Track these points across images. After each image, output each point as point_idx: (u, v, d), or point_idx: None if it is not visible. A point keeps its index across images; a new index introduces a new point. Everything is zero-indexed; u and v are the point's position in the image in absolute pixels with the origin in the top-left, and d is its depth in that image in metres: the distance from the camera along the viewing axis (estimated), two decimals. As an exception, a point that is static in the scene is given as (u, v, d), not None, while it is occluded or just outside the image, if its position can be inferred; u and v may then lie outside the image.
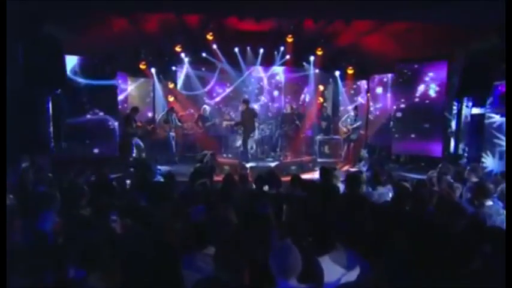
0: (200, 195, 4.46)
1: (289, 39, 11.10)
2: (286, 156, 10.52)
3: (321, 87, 12.49)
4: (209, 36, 10.94)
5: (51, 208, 3.61)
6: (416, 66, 9.00)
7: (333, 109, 12.48)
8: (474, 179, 5.42)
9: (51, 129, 7.48)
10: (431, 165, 8.73)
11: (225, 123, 11.25)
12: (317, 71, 12.23)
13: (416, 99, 9.11)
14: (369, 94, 11.36)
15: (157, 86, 11.86)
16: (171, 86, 12.09)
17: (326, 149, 10.59)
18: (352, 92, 11.86)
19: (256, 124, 10.19)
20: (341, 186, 5.49)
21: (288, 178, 7.63)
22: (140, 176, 7.19)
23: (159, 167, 8.66)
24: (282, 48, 11.86)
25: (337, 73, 12.01)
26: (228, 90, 12.62)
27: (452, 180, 4.89)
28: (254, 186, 5.40)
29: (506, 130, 6.88)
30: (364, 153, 10.04)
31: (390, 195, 4.87)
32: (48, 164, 6.05)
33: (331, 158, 10.06)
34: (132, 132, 9.62)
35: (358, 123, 9.68)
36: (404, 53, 9.26)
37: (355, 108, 9.96)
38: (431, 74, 8.76)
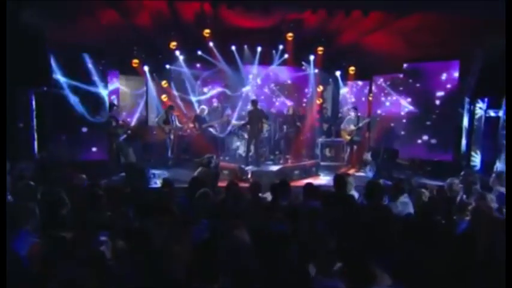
0: (202, 208, 3.91)
1: (289, 37, 10.61)
2: (287, 159, 10.02)
3: (321, 88, 12.04)
4: (205, 33, 10.40)
5: (29, 224, 3.03)
6: (425, 65, 8.55)
7: (332, 110, 12.02)
8: (500, 188, 5.00)
9: (35, 131, 6.85)
10: (438, 170, 8.36)
11: (234, 122, 10.67)
12: (316, 70, 11.76)
13: (426, 101, 8.65)
14: (371, 95, 10.91)
15: (151, 84, 11.24)
16: (164, 84, 11.50)
17: (328, 152, 10.11)
18: (354, 92, 11.38)
19: (266, 126, 9.65)
20: (355, 194, 5.02)
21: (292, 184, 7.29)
22: (132, 182, 6.63)
23: (153, 171, 8.06)
24: (281, 47, 11.39)
25: (337, 73, 11.55)
26: (225, 89, 12.05)
27: (481, 190, 4.44)
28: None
29: (506, 130, 6.57)
30: (367, 156, 9.57)
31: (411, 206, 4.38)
32: (31, 170, 5.41)
33: (334, 161, 9.58)
34: (113, 132, 9.00)
35: (360, 124, 9.15)
36: (412, 52, 8.81)
37: (355, 108, 9.48)
38: (442, 74, 8.31)
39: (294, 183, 7.45)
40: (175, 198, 4.35)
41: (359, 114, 9.33)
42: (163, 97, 11.48)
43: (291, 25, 10.39)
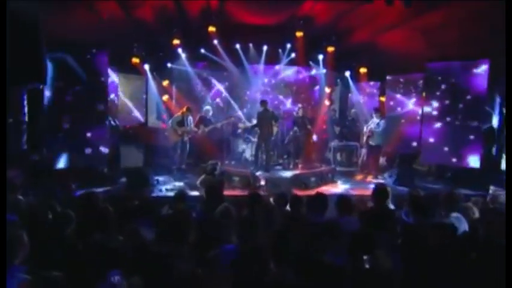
0: (225, 228, 3.31)
1: (299, 35, 10.04)
2: (297, 164, 9.44)
3: (329, 89, 11.50)
4: (210, 30, 9.81)
5: (18, 257, 2.41)
6: (450, 65, 7.97)
7: (340, 112, 11.47)
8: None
9: (26, 133, 6.18)
10: (461, 177, 7.82)
11: (240, 125, 10.06)
12: (324, 70, 11.21)
13: (449, 102, 8.06)
14: (383, 96, 10.36)
15: (151, 84, 10.60)
16: (165, 84, 10.87)
17: (339, 157, 9.53)
18: (366, 93, 10.83)
19: (276, 128, 9.07)
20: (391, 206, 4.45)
21: (305, 192, 6.71)
22: (137, 190, 6.03)
23: (156, 177, 7.43)
24: (288, 46, 10.84)
25: (347, 73, 10.99)
26: (229, 89, 11.46)
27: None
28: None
29: (507, 130, 6.29)
30: (382, 161, 9.03)
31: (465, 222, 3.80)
32: (20, 180, 4.74)
33: (348, 166, 8.99)
34: (112, 133, 8.27)
35: (380, 128, 8.51)
36: (434, 50, 8.28)
37: (377, 110, 8.84)
38: (468, 74, 7.73)
39: (309, 192, 6.95)
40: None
41: (380, 117, 8.71)
42: (165, 97, 10.87)
43: (301, 22, 9.84)
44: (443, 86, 8.12)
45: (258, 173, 8.02)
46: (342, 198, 4.00)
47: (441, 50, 8.13)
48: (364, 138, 8.66)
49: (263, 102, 9.11)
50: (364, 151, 8.98)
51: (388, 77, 9.74)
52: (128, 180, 6.74)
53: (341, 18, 9.26)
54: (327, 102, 11.53)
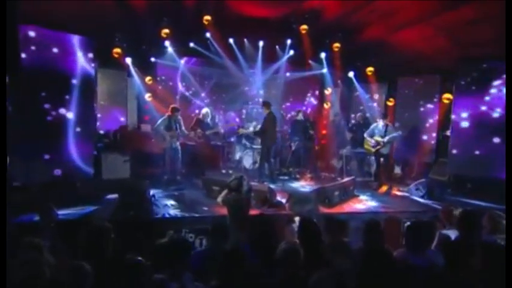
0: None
1: (303, 30, 9.09)
2: (304, 174, 8.48)
3: (329, 90, 10.64)
4: (205, 21, 8.64)
5: None
6: (483, 67, 7.29)
7: (344, 116, 10.63)
8: None
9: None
10: (482, 188, 7.21)
11: (241, 131, 8.89)
12: (325, 70, 10.34)
13: (482, 109, 7.37)
14: (391, 100, 9.63)
15: (135, 80, 9.25)
16: (149, 81, 9.52)
17: (349, 166, 8.63)
18: (374, 96, 10.04)
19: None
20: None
21: (330, 210, 5.77)
22: (134, 212, 4.82)
23: (151, 191, 6.16)
24: (289, 41, 9.86)
25: (351, 73, 10.17)
26: (223, 89, 10.32)
27: None
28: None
29: (507, 130, 5.73)
30: (396, 170, 8.26)
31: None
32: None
33: (360, 176, 8.07)
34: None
35: (394, 134, 7.65)
36: (462, 50, 7.57)
37: (385, 116, 7.98)
38: (497, 77, 7.08)
39: (335, 210, 6.01)
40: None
41: (388, 123, 7.86)
42: (148, 96, 9.52)
43: (306, 16, 8.89)
44: (462, 90, 7.44)
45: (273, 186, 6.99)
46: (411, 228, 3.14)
47: (469, 50, 7.45)
48: (371, 144, 7.72)
49: (266, 105, 8.05)
50: (375, 159, 8.11)
51: (399, 79, 8.97)
52: (121, 197, 5.43)
53: (352, 13, 8.40)
54: (326, 105, 10.69)
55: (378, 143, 7.70)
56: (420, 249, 3.01)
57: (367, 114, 9.50)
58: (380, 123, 7.88)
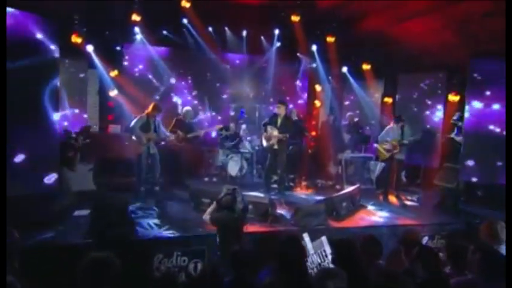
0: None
1: (295, 18, 8.07)
2: (299, 182, 7.48)
3: (319, 87, 9.71)
4: (184, 3, 7.40)
5: None
6: (496, 64, 6.61)
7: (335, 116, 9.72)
8: None
9: None
10: (493, 196, 6.63)
11: (242, 130, 7.70)
12: (315, 65, 9.39)
13: (486, 109, 6.72)
14: (389, 97, 8.84)
15: (98, 72, 7.83)
16: (113, 73, 8.08)
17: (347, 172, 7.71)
18: (371, 94, 9.17)
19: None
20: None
21: (340, 224, 4.85)
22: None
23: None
24: (276, 31, 8.80)
25: (344, 69, 9.27)
26: (199, 84, 9.06)
27: None
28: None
29: (506, 130, 5.75)
30: (401, 176, 7.47)
31: None
32: None
33: (361, 183, 7.14)
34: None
35: (416, 137, 6.81)
36: (475, 45, 6.84)
37: (399, 118, 7.09)
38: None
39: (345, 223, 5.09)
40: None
41: (405, 126, 6.98)
42: (113, 92, 8.07)
43: (298, 2, 7.86)
44: (487, 92, 6.73)
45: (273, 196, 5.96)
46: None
47: (483, 45, 6.74)
48: (385, 149, 6.82)
49: (282, 105, 6.66)
50: (381, 165, 7.25)
51: (400, 75, 8.18)
52: (93, 212, 4.12)
53: (350, 1, 7.48)
54: (317, 103, 9.74)
55: (394, 146, 6.84)
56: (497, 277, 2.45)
57: (356, 118, 8.70)
58: (394, 126, 7.02)
